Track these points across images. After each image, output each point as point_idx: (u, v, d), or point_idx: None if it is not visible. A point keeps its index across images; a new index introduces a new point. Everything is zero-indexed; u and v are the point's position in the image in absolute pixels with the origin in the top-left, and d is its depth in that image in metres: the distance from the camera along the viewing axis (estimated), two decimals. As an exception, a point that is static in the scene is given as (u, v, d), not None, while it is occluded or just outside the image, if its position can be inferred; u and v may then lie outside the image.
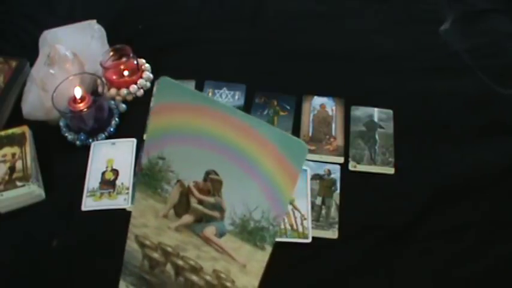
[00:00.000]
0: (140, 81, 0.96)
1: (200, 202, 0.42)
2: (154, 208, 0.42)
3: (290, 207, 0.79)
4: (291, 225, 0.77)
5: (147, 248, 0.44)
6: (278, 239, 0.75)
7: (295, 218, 0.78)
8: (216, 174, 0.40)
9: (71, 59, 0.93)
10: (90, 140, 0.89)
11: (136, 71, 0.97)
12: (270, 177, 0.38)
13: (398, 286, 0.73)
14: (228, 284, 0.43)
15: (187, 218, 0.43)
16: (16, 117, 0.92)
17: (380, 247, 0.75)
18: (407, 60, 1.00)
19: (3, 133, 0.86)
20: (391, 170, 0.84)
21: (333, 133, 0.89)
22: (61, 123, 0.90)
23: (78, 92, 0.87)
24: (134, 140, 0.89)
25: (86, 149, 0.88)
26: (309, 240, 0.76)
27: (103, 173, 0.85)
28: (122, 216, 0.80)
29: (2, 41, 1.07)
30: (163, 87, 0.37)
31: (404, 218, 0.78)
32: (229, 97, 0.95)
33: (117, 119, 0.91)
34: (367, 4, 1.12)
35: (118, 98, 0.96)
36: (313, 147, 0.87)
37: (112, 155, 0.87)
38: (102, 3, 1.15)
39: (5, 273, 0.76)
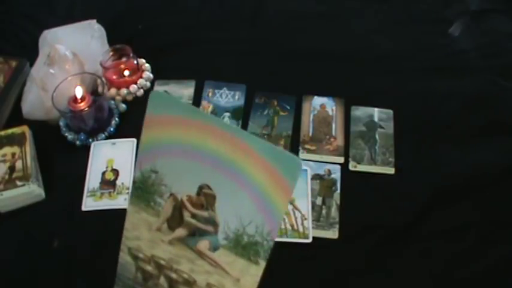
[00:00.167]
0: (140, 81, 0.96)
1: (193, 216, 0.42)
2: (147, 221, 0.42)
3: (290, 207, 0.79)
4: (292, 225, 0.77)
5: (141, 260, 0.44)
6: (278, 239, 0.75)
7: (295, 218, 0.78)
8: (210, 188, 0.40)
9: (71, 59, 0.93)
10: (90, 140, 0.89)
11: (137, 71, 0.97)
12: (263, 192, 0.38)
13: (398, 286, 0.73)
14: None
15: (180, 232, 0.43)
16: (16, 117, 0.92)
17: (380, 247, 0.75)
18: (407, 60, 1.00)
19: (3, 133, 0.86)
20: (391, 170, 0.84)
21: (333, 133, 0.89)
22: (61, 123, 0.90)
23: (79, 92, 0.87)
24: (134, 140, 0.89)
25: (86, 149, 0.88)
26: (310, 240, 0.76)
27: (103, 173, 0.85)
28: (122, 216, 0.80)
29: (2, 41, 1.07)
30: (155, 100, 0.37)
31: (404, 218, 0.78)
32: (229, 97, 0.95)
33: (117, 119, 0.91)
34: (367, 4, 1.12)
35: (118, 98, 0.96)
36: (313, 147, 0.87)
37: (112, 155, 0.87)
38: (102, 3, 1.15)
39: (5, 273, 0.76)
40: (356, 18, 1.10)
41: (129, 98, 0.96)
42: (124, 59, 0.96)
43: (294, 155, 0.36)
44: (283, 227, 0.77)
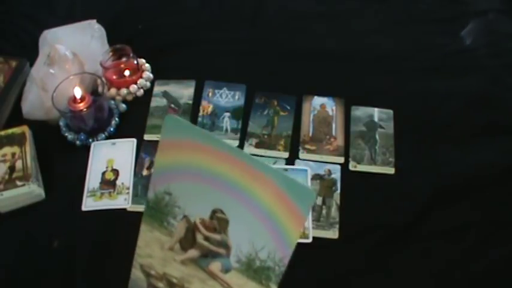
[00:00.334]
0: (140, 81, 0.96)
1: (206, 238, 0.42)
2: (159, 240, 0.43)
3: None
4: (291, 225, 0.77)
5: (152, 277, 0.44)
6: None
7: (295, 218, 0.78)
8: (223, 213, 0.40)
9: (71, 59, 0.93)
10: (90, 140, 0.89)
11: (137, 70, 0.97)
12: (276, 220, 0.38)
13: (398, 286, 0.73)
14: None
15: (193, 253, 0.43)
16: (16, 117, 0.92)
17: (380, 247, 0.75)
18: (407, 60, 1.00)
19: (3, 133, 0.86)
20: (391, 170, 0.84)
21: (333, 133, 0.89)
22: (61, 123, 0.90)
23: (78, 92, 0.87)
24: (134, 140, 0.89)
25: (86, 149, 0.88)
26: (310, 240, 0.76)
27: (103, 173, 0.85)
28: (122, 216, 0.81)
29: (2, 41, 1.07)
30: (170, 124, 0.38)
31: (404, 218, 0.78)
32: (229, 97, 0.95)
33: (117, 119, 0.91)
34: (367, 4, 1.12)
35: (118, 97, 0.96)
36: (313, 147, 0.87)
37: (112, 155, 0.87)
38: (102, 3, 1.15)
39: (5, 273, 0.76)
40: (356, 18, 1.10)
41: (129, 98, 0.96)
42: (124, 59, 0.96)
43: (308, 186, 0.37)
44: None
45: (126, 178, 0.84)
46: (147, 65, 1.00)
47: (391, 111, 0.91)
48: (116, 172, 0.85)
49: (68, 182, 0.85)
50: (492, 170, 0.83)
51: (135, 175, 0.85)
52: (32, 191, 0.80)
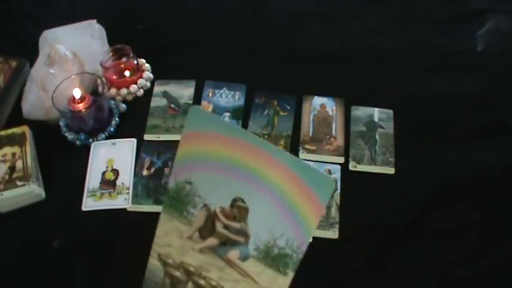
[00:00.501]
0: (140, 81, 0.96)
1: (226, 227, 0.43)
2: (178, 229, 0.43)
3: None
4: (291, 225, 0.77)
5: (170, 266, 0.45)
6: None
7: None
8: (243, 201, 0.41)
9: (71, 59, 0.93)
10: (90, 140, 0.89)
11: (137, 71, 0.97)
12: (295, 208, 0.39)
13: (398, 286, 0.73)
14: None
15: (211, 241, 0.44)
16: (16, 117, 0.92)
17: (380, 247, 0.75)
18: (407, 61, 1.00)
19: (3, 133, 0.86)
20: (391, 170, 0.84)
21: (333, 133, 0.89)
22: (61, 123, 0.90)
23: (77, 93, 0.87)
24: (134, 140, 0.89)
25: (86, 149, 0.88)
26: (310, 240, 0.76)
27: (103, 173, 0.85)
28: (122, 216, 0.81)
29: (2, 41, 1.07)
30: (193, 115, 0.39)
31: (404, 218, 0.78)
32: (229, 97, 0.95)
33: (117, 119, 0.91)
34: (367, 4, 1.12)
35: (118, 98, 0.96)
36: (313, 147, 0.87)
37: (112, 155, 0.87)
38: (102, 3, 1.15)
39: (5, 273, 0.76)
40: (356, 18, 1.10)
41: (129, 98, 0.96)
42: (124, 59, 0.96)
43: (328, 175, 0.37)
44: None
45: (126, 178, 0.85)
46: (147, 65, 1.00)
47: (391, 111, 0.92)
48: (116, 172, 0.85)
49: (68, 182, 0.85)
50: (492, 170, 0.83)
51: (135, 175, 0.85)
52: (32, 191, 0.80)
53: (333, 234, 0.77)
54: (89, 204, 0.82)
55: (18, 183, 0.80)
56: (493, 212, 0.79)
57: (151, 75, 0.99)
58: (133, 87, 0.95)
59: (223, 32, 1.08)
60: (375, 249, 0.75)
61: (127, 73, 0.96)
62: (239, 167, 0.39)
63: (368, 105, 0.92)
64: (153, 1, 1.16)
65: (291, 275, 0.42)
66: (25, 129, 0.87)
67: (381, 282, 0.73)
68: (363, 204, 0.80)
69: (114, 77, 0.96)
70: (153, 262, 0.44)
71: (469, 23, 1.07)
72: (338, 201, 0.80)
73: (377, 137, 0.88)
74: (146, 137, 0.90)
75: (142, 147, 0.89)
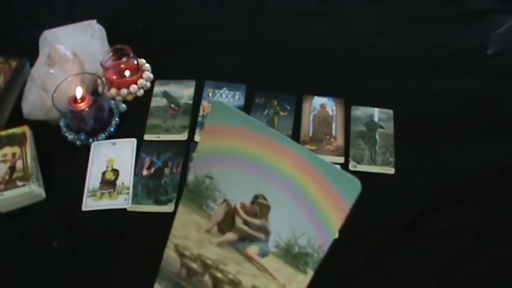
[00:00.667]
0: (140, 81, 0.96)
1: (245, 223, 0.43)
2: (197, 223, 0.43)
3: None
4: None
5: (186, 258, 0.45)
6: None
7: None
8: (265, 199, 0.40)
9: (71, 59, 0.93)
10: (90, 140, 0.89)
11: (137, 71, 0.97)
12: (318, 208, 0.39)
13: (398, 286, 0.73)
14: None
15: (230, 236, 0.44)
16: (16, 117, 0.92)
17: (380, 247, 0.75)
18: (407, 61, 1.00)
19: (3, 133, 0.86)
20: (391, 170, 0.84)
21: (333, 133, 0.89)
22: (61, 123, 0.90)
23: (79, 92, 0.87)
24: (134, 140, 0.89)
25: (86, 149, 0.88)
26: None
27: (103, 173, 0.85)
28: (122, 216, 0.81)
29: (2, 41, 1.07)
30: (217, 109, 0.38)
31: (404, 218, 0.78)
32: (229, 97, 0.95)
33: (117, 119, 0.91)
34: (367, 4, 1.12)
35: (118, 98, 0.96)
36: (313, 148, 0.87)
37: (112, 155, 0.87)
38: (102, 3, 1.15)
39: (5, 273, 0.76)
40: (356, 18, 1.10)
41: (130, 98, 0.96)
42: (124, 59, 0.96)
43: (354, 177, 0.36)
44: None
45: (126, 178, 0.85)
46: (147, 65, 1.00)
47: (391, 111, 0.92)
48: (116, 172, 0.85)
49: (68, 182, 0.85)
50: (492, 170, 0.83)
51: (135, 175, 0.85)
52: (32, 191, 0.80)
53: (333, 234, 0.77)
54: (89, 204, 0.82)
55: (19, 183, 0.80)
56: (493, 211, 0.79)
57: (151, 75, 0.99)
58: (133, 87, 0.95)
59: (223, 32, 1.08)
60: (374, 249, 0.75)
61: (127, 73, 0.96)
62: (261, 163, 0.39)
63: (368, 105, 0.92)
64: (153, 1, 1.16)
65: (310, 273, 0.42)
66: (25, 129, 0.87)
67: (380, 282, 0.73)
68: (362, 204, 0.80)
69: (114, 77, 0.96)
70: (170, 253, 0.44)
71: (469, 23, 1.07)
72: (338, 201, 0.80)
73: (377, 137, 0.88)
74: (146, 137, 0.90)
75: (142, 147, 0.89)
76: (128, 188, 0.83)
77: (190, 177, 0.41)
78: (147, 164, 0.86)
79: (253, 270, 0.43)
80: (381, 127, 0.90)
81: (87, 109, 0.87)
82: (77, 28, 1.01)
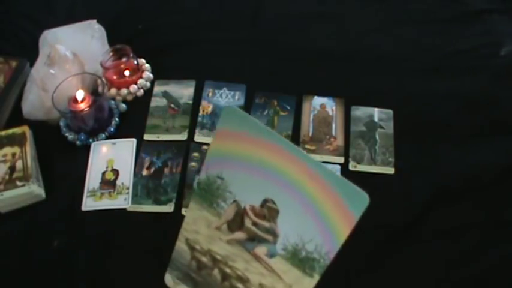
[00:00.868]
0: (140, 81, 0.96)
1: (254, 224, 0.44)
2: (207, 219, 0.44)
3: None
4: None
5: (197, 251, 0.46)
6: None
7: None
8: (274, 203, 0.42)
9: (71, 59, 0.93)
10: (90, 140, 0.89)
11: (137, 71, 0.97)
12: (327, 217, 0.40)
13: (398, 286, 0.73)
14: None
15: (239, 235, 0.45)
16: (16, 117, 0.92)
17: (380, 247, 0.75)
18: (407, 61, 1.00)
19: (3, 133, 0.86)
20: (391, 170, 0.84)
21: (333, 133, 0.89)
22: (61, 123, 0.90)
23: (80, 95, 0.87)
24: (134, 140, 0.89)
25: (86, 149, 0.88)
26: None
27: (103, 173, 0.85)
28: (122, 216, 0.81)
29: (2, 41, 1.07)
30: (227, 115, 0.39)
31: (404, 218, 0.78)
32: (229, 97, 0.95)
33: (117, 119, 0.91)
34: (367, 4, 1.12)
35: (118, 98, 0.96)
36: (313, 147, 0.87)
37: (112, 155, 0.87)
38: (102, 3, 1.15)
39: (5, 273, 0.76)
40: (356, 18, 1.10)
41: (129, 98, 0.96)
42: (124, 59, 0.96)
43: (362, 191, 0.38)
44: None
45: (126, 178, 0.85)
46: (147, 65, 1.00)
47: (391, 111, 0.92)
48: (115, 172, 0.85)
49: (68, 182, 0.85)
50: (492, 170, 0.83)
51: (135, 175, 0.85)
52: (32, 191, 0.80)
53: (333, 234, 0.77)
54: (88, 204, 0.82)
55: (18, 183, 0.80)
56: (493, 212, 0.79)
57: (151, 75, 0.99)
58: (133, 87, 0.95)
59: (223, 32, 1.08)
60: (374, 249, 0.75)
61: (127, 73, 0.96)
62: (272, 170, 0.40)
63: (368, 105, 0.92)
64: (153, 1, 1.16)
65: (316, 277, 0.43)
66: (25, 129, 0.87)
67: (380, 282, 0.73)
68: (362, 204, 0.80)
69: (114, 77, 0.96)
70: (181, 245, 0.45)
71: (469, 23, 1.07)
72: (338, 201, 0.80)
73: (377, 137, 0.88)
74: (146, 137, 0.90)
75: (142, 147, 0.89)
76: (128, 188, 0.83)
77: (202, 176, 0.43)
78: (147, 164, 0.86)
79: (261, 269, 0.44)
80: (381, 127, 0.90)
81: (87, 109, 0.87)
82: (77, 28, 1.01)
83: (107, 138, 0.90)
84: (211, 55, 1.03)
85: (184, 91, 0.97)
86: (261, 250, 0.44)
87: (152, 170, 0.86)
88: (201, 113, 0.93)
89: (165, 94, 0.97)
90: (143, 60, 1.00)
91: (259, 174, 0.41)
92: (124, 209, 0.81)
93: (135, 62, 0.97)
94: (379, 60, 1.01)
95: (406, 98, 0.94)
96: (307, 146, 0.87)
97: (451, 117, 0.91)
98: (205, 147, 0.88)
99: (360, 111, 0.92)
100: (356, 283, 0.73)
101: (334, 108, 0.93)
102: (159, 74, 0.99)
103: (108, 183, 0.84)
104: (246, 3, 1.13)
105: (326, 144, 0.88)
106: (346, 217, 0.40)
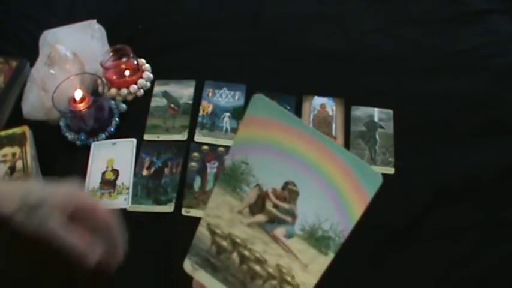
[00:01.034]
0: (140, 81, 0.96)
1: (275, 206, 0.46)
2: (230, 204, 0.47)
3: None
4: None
5: (217, 236, 0.48)
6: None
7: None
8: (295, 185, 0.44)
9: (71, 59, 0.93)
10: (90, 140, 0.89)
11: (137, 71, 0.97)
12: (342, 196, 0.43)
13: (398, 286, 0.73)
14: (288, 278, 0.47)
15: (260, 217, 0.47)
16: (16, 117, 0.92)
17: (380, 247, 0.75)
18: (407, 60, 1.00)
19: (3, 133, 0.86)
20: (391, 170, 0.84)
21: (333, 133, 0.89)
22: (61, 123, 0.90)
23: (78, 94, 0.87)
24: (134, 140, 0.89)
25: (86, 149, 0.88)
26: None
27: (103, 173, 0.85)
28: (122, 216, 0.81)
29: (2, 41, 1.07)
30: (257, 102, 0.42)
31: (404, 218, 0.78)
32: (229, 97, 0.95)
33: (117, 119, 0.92)
34: (367, 4, 1.12)
35: (118, 98, 0.96)
36: (313, 147, 0.87)
37: (112, 155, 0.87)
38: (102, 3, 1.15)
39: (5, 273, 0.76)
40: (356, 18, 1.10)
41: (130, 98, 0.96)
42: (124, 59, 0.96)
43: (377, 172, 0.41)
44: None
45: (126, 178, 0.85)
46: (147, 65, 1.00)
47: (391, 111, 0.92)
48: (115, 172, 0.85)
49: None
50: (492, 170, 0.83)
51: (135, 175, 0.85)
52: (32, 191, 0.80)
53: (333, 234, 0.77)
54: (89, 204, 0.82)
55: (18, 183, 0.80)
56: (493, 212, 0.79)
57: (151, 75, 0.99)
58: (133, 87, 0.95)
59: (223, 32, 1.08)
60: (375, 249, 0.75)
61: (127, 73, 0.96)
62: (294, 153, 0.43)
63: (368, 105, 0.92)
64: (153, 1, 1.16)
65: (331, 255, 0.46)
66: (25, 129, 0.87)
67: (380, 282, 0.73)
68: (362, 204, 0.80)
69: (114, 77, 0.96)
70: (202, 231, 0.48)
71: (469, 23, 1.07)
72: (338, 201, 0.80)
73: (377, 137, 0.88)
74: (146, 137, 0.90)
75: (142, 147, 0.89)
76: (128, 188, 0.83)
77: (228, 163, 0.46)
78: (147, 164, 0.87)
79: (279, 250, 0.47)
80: (381, 127, 0.90)
81: (87, 109, 0.87)
82: (77, 28, 1.01)
83: (107, 138, 0.90)
84: (211, 55, 1.03)
85: (184, 91, 0.97)
86: (279, 231, 0.47)
87: (152, 170, 0.86)
88: (201, 113, 0.93)
89: (165, 94, 0.97)
90: (143, 60, 1.00)
91: (281, 158, 0.43)
92: (124, 209, 0.81)
93: (135, 62, 0.97)
94: (379, 60, 1.01)
95: (406, 98, 0.94)
96: (307, 146, 0.87)
97: (451, 117, 0.91)
98: (205, 147, 0.88)
99: (360, 111, 0.92)
100: (356, 283, 0.73)
101: (334, 108, 0.93)
102: (159, 74, 0.99)
103: (108, 183, 0.84)
104: (246, 3, 1.13)
105: (326, 144, 0.88)
106: (361, 196, 0.43)
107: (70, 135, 0.89)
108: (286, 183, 0.45)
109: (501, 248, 0.75)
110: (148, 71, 0.99)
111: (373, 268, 0.74)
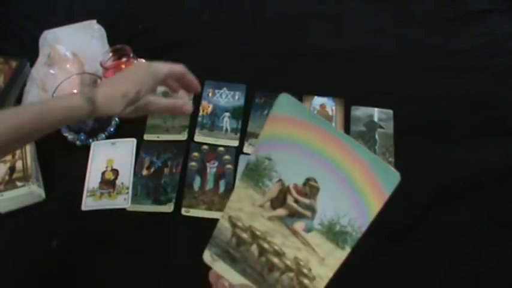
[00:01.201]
0: (140, 81, 0.96)
1: (296, 201, 0.48)
2: (252, 197, 0.49)
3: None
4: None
5: (238, 228, 0.50)
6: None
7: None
8: (315, 181, 0.46)
9: (71, 59, 0.93)
10: (90, 140, 0.89)
11: (137, 71, 0.97)
12: (361, 193, 0.46)
13: (398, 286, 0.73)
14: (305, 270, 0.49)
15: (281, 211, 0.49)
16: (16, 117, 0.92)
17: (380, 247, 0.75)
18: (408, 60, 1.00)
19: (3, 133, 0.86)
20: (391, 170, 0.84)
21: (333, 133, 0.89)
22: (61, 123, 0.90)
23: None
24: (134, 140, 0.89)
25: (86, 149, 0.88)
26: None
27: (103, 173, 0.85)
28: (121, 216, 0.81)
29: (2, 41, 1.07)
30: (282, 101, 0.45)
31: (404, 218, 0.78)
32: (229, 97, 0.95)
33: (117, 119, 0.91)
34: (367, 4, 1.12)
35: (118, 98, 0.95)
36: (313, 147, 0.87)
37: (112, 155, 0.87)
38: (102, 3, 1.15)
39: (5, 273, 0.76)
40: (356, 18, 1.10)
41: (129, 98, 0.96)
42: (124, 59, 0.96)
43: (395, 170, 0.44)
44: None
45: (125, 178, 0.85)
46: (147, 65, 1.00)
47: (391, 111, 0.91)
48: (115, 172, 0.85)
49: (68, 182, 0.85)
50: (492, 170, 0.83)
51: (135, 175, 0.85)
52: (32, 191, 0.80)
53: (332, 234, 0.77)
54: (88, 204, 0.82)
55: (18, 183, 0.80)
56: (493, 212, 0.79)
57: (151, 75, 0.98)
58: (133, 87, 0.95)
59: (223, 32, 1.08)
60: (374, 250, 0.75)
61: (127, 73, 0.96)
62: (316, 151, 0.45)
63: (368, 105, 0.92)
64: (153, 1, 1.16)
65: (348, 250, 0.48)
66: (25, 129, 0.86)
67: (381, 282, 0.73)
68: (362, 204, 0.80)
69: (114, 77, 0.96)
70: (224, 223, 0.51)
71: (469, 23, 1.07)
72: (338, 201, 0.80)
73: (377, 137, 0.88)
74: (146, 137, 0.90)
75: (142, 147, 0.89)
76: (128, 188, 0.83)
77: (252, 158, 0.48)
78: (146, 164, 0.86)
79: (298, 243, 0.48)
80: (381, 127, 0.90)
81: (87, 109, 0.86)
82: (77, 28, 1.01)
83: (107, 138, 0.90)
84: (211, 55, 1.03)
85: (184, 91, 0.97)
86: (299, 225, 0.48)
87: (152, 170, 0.86)
88: (201, 113, 0.93)
89: (165, 94, 0.96)
90: (143, 60, 1.00)
91: (303, 154, 0.46)
92: (124, 209, 0.81)
93: (135, 62, 0.97)
94: (379, 60, 1.01)
95: (405, 98, 0.94)
96: (307, 146, 0.87)
97: (451, 117, 0.90)
98: (205, 147, 0.88)
99: (360, 111, 0.92)
100: (356, 283, 0.73)
101: (334, 108, 0.93)
102: (159, 74, 0.99)
103: (108, 183, 0.84)
104: (246, 3, 1.13)
105: (326, 144, 0.88)
106: (379, 193, 0.45)
107: (70, 135, 0.89)
108: (308, 179, 0.47)
109: (501, 247, 0.75)
110: (148, 71, 0.99)
111: (374, 268, 0.74)
